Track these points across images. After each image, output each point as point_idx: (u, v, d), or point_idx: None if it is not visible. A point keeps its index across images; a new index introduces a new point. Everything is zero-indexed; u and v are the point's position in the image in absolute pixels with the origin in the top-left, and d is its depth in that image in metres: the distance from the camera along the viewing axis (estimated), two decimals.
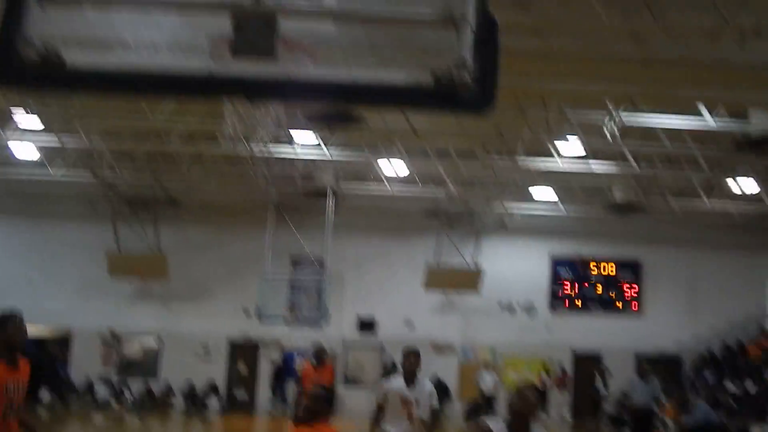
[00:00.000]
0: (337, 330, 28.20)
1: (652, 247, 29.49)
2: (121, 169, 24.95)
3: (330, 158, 23.34)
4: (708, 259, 29.40)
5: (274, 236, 26.61)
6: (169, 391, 28.07)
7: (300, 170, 25.21)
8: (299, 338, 28.26)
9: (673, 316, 29.32)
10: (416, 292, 28.01)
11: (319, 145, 22.86)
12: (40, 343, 30.75)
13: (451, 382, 28.41)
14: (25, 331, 5.44)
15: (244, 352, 28.70)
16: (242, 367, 28.67)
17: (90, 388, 27.88)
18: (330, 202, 25.87)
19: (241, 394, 28.56)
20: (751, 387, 22.33)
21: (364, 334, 28.61)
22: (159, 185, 26.45)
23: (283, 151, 23.02)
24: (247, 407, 28.11)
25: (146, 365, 28.82)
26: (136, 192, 27.15)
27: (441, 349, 28.76)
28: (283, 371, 28.03)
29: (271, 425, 23.95)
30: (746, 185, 24.39)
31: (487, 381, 27.79)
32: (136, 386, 28.15)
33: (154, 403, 27.68)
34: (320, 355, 12.19)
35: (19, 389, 5.40)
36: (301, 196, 26.53)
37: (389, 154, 23.51)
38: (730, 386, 22.88)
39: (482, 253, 27.98)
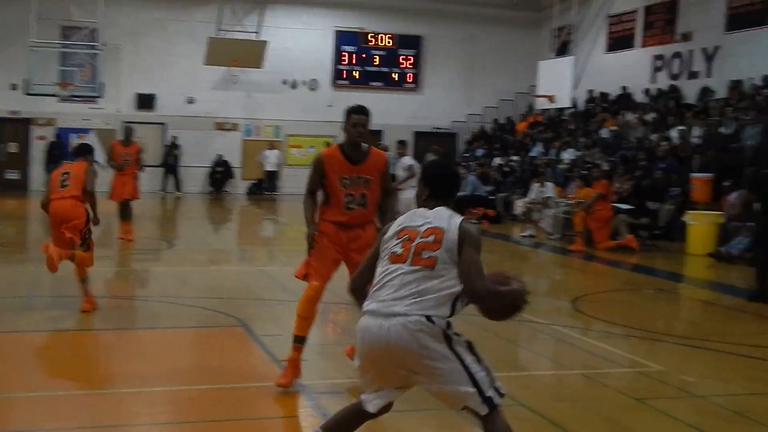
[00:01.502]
0: (115, 106, 27.05)
1: (431, 22, 29.85)
2: None
3: None
4: (485, 36, 30.22)
5: (40, 1, 24.39)
6: None
7: None
8: (74, 115, 26.91)
9: (449, 93, 30.31)
10: (197, 68, 27.11)
11: None
12: None
13: (235, 160, 28.34)
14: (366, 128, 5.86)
15: (13, 129, 27.06)
16: (12, 146, 27.16)
17: None
18: None
19: (10, 174, 27.21)
20: (516, 162, 23.75)
21: (143, 110, 27.57)
22: None
23: None
24: (20, 187, 26.89)
25: None
26: None
27: (224, 126, 28.38)
28: (57, 149, 26.81)
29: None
30: None
31: (270, 159, 27.96)
32: None
33: None
34: (128, 134, 12.87)
35: (366, 187, 5.84)
36: None
37: None
38: (498, 161, 24.23)
39: (266, 26, 27.18)
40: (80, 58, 25.16)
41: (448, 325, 3.67)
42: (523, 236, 16.81)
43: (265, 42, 26.88)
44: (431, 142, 28.88)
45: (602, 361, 6.87)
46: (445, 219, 3.79)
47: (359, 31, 29.32)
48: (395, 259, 3.76)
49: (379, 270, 3.81)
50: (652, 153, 18.75)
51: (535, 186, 17.57)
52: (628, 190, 16.03)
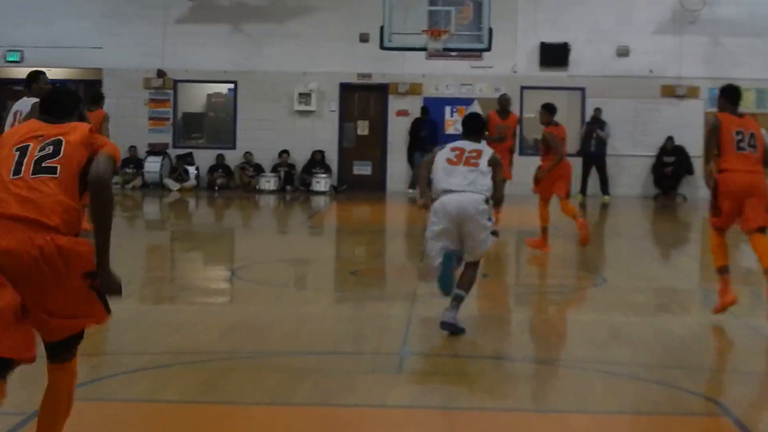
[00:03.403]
0: (508, 62, 27.85)
1: None
2: None
3: None
4: None
5: None
6: (250, 165, 28.43)
7: None
8: (448, 77, 28.07)
9: None
10: (632, 2, 27.24)
11: None
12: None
13: (693, 145, 27.84)
14: None
15: (363, 101, 28.68)
16: (362, 126, 28.72)
17: (134, 160, 28.41)
18: None
19: (360, 167, 28.74)
20: None
21: (549, 69, 28.16)
22: None
23: None
24: (371, 187, 28.39)
25: (214, 127, 29.22)
26: None
27: (675, 91, 28.17)
28: (424, 129, 27.93)
29: (410, 215, 24.11)
30: None
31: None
32: (202, 158, 28.71)
33: (230, 183, 28.08)
34: (504, 104, 13.49)
35: None
36: None
37: None
38: None
39: None
40: None
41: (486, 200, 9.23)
42: None
43: None
44: None
45: None
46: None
47: None
48: (451, 162, 9.37)
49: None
50: None
51: None
52: None
